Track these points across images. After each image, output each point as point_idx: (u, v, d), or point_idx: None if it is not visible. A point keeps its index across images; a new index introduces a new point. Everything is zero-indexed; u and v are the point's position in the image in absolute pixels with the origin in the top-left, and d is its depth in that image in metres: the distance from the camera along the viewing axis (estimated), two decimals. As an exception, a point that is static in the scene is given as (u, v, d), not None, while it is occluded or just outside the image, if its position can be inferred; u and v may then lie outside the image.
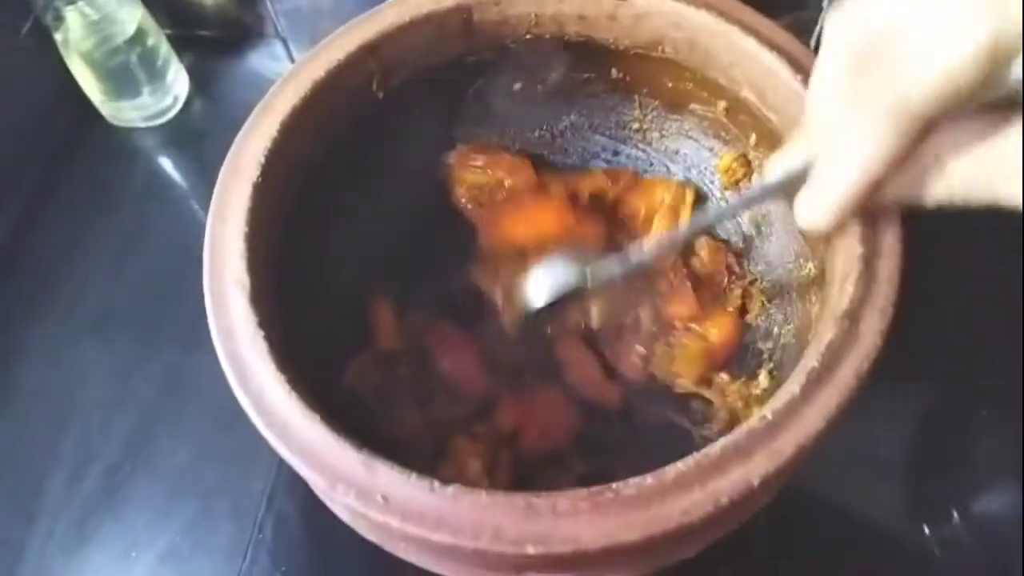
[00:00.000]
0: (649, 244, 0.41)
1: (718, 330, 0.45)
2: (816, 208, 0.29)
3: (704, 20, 0.38)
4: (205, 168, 0.62)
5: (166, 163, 0.63)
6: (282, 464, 0.47)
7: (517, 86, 0.46)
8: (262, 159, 0.36)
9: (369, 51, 0.39)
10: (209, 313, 0.33)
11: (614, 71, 0.45)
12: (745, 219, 0.46)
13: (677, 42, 0.41)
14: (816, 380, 0.31)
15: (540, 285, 0.40)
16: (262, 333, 0.32)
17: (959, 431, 0.49)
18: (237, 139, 0.37)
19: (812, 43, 0.53)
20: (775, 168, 0.32)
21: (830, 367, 0.31)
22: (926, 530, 0.45)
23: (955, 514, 0.46)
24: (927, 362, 0.49)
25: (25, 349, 0.54)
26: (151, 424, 0.51)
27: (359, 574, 0.44)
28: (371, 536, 0.35)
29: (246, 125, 0.37)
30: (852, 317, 0.32)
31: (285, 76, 0.38)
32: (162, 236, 0.59)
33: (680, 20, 0.39)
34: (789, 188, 0.32)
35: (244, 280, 0.33)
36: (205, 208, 0.59)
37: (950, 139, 0.25)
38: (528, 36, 0.42)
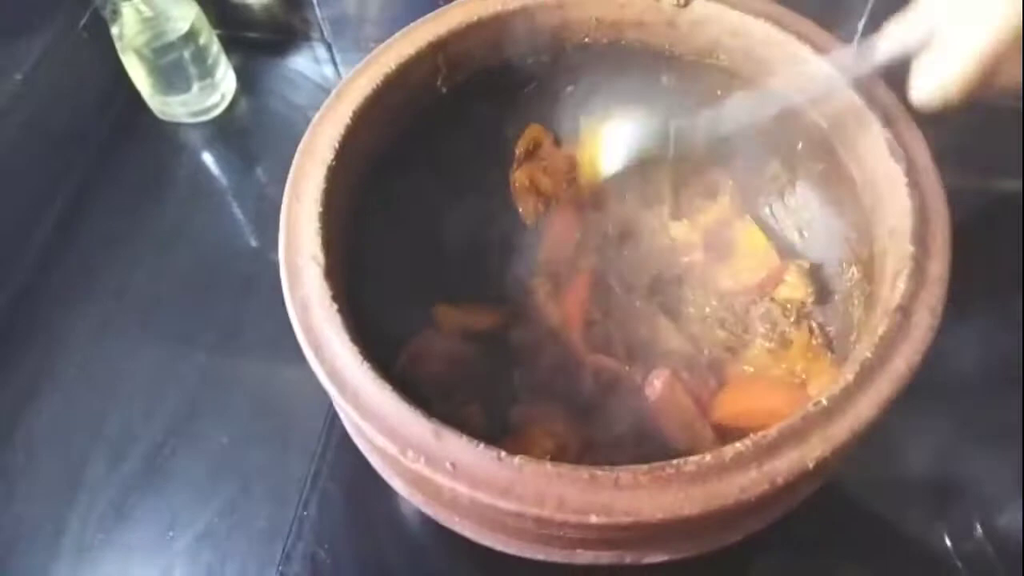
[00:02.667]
0: (736, 106, 0.38)
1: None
2: (939, 74, 0.28)
3: (762, 29, 0.40)
4: (248, 164, 0.64)
5: (209, 158, 0.65)
6: (327, 445, 0.49)
7: (569, 89, 0.48)
8: (336, 144, 0.37)
9: (437, 48, 0.41)
10: (284, 286, 0.35)
11: (665, 78, 0.47)
12: (790, 224, 0.47)
13: (732, 50, 0.42)
14: (869, 369, 0.32)
15: (617, 147, 0.39)
16: (336, 307, 0.33)
17: (984, 446, 0.49)
18: (312, 124, 0.38)
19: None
20: (891, 37, 0.30)
21: (883, 358, 0.32)
22: (948, 544, 0.46)
23: (978, 528, 0.46)
24: (953, 375, 0.50)
25: (72, 334, 0.55)
26: (192, 408, 0.52)
27: (402, 551, 0.45)
28: (427, 507, 0.36)
29: (320, 112, 0.39)
30: (904, 312, 0.33)
31: (358, 68, 0.40)
32: (205, 228, 0.61)
33: (737, 28, 0.41)
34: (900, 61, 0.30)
35: (319, 256, 0.34)
36: (245, 203, 0.62)
37: None
38: (586, 40, 0.44)
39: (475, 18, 0.41)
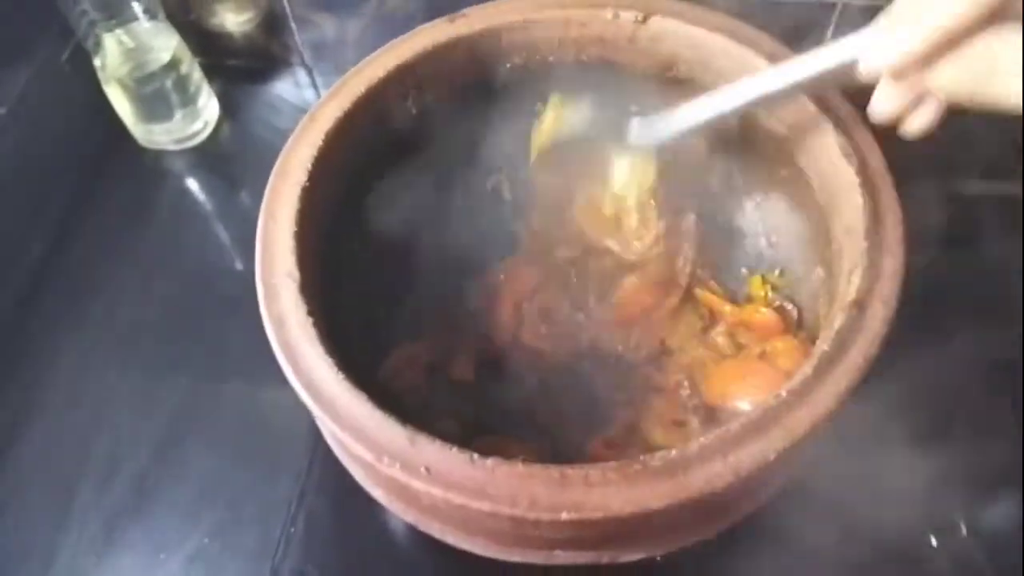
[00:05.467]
0: (699, 106, 0.41)
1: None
2: (894, 42, 0.30)
3: (718, 42, 0.42)
4: (231, 188, 0.65)
5: (193, 184, 0.66)
6: (312, 464, 0.50)
7: (538, 106, 0.49)
8: (308, 165, 0.38)
9: (405, 70, 0.42)
10: (261, 303, 0.36)
11: (629, 92, 0.48)
12: (760, 230, 0.49)
13: (691, 62, 0.44)
14: (827, 363, 0.33)
15: (584, 120, 0.43)
16: (311, 320, 0.34)
17: (966, 444, 0.50)
18: (286, 146, 0.40)
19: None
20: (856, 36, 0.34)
21: (840, 351, 0.33)
22: (934, 543, 0.46)
23: (963, 527, 0.47)
24: (930, 376, 0.51)
25: (58, 360, 0.56)
26: (178, 432, 0.52)
27: (389, 566, 0.46)
28: (407, 515, 0.36)
29: (293, 135, 0.40)
30: (859, 306, 0.34)
31: (329, 92, 0.41)
32: (190, 252, 0.62)
33: (694, 42, 0.43)
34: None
35: (294, 273, 0.35)
36: (230, 227, 0.63)
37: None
38: (551, 59, 0.46)
39: (442, 40, 0.43)
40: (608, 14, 0.43)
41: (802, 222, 0.45)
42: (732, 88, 0.39)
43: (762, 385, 0.41)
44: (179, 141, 0.66)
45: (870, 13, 0.56)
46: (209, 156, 0.66)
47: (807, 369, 0.33)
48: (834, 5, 0.56)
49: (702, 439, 0.31)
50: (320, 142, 0.39)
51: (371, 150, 0.43)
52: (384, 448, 0.31)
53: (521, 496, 0.30)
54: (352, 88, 0.41)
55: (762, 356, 0.43)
